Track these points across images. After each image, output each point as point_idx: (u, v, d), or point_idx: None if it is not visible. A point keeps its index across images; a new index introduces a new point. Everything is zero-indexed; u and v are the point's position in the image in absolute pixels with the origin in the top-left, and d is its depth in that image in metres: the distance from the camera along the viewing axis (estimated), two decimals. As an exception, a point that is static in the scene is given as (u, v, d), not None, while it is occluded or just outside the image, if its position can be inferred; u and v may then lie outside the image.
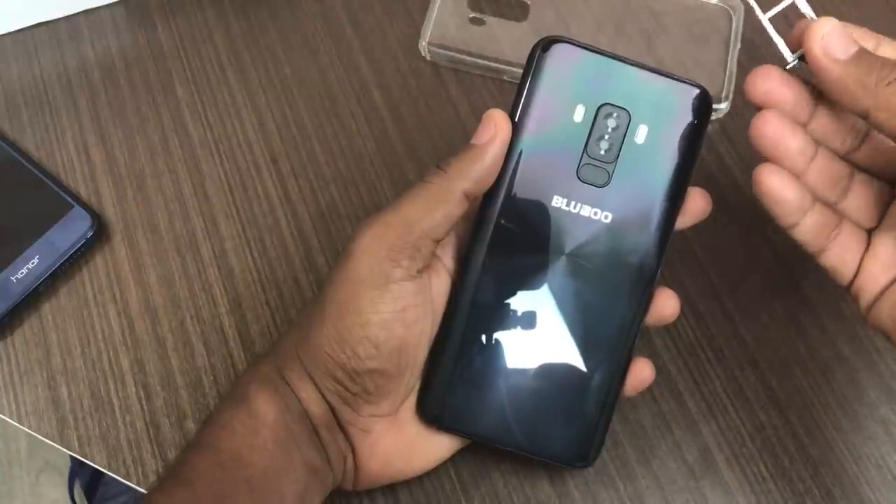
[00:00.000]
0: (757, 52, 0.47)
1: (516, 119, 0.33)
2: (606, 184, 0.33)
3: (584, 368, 0.34)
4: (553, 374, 0.34)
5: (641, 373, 0.35)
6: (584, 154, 0.33)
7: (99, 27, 0.48)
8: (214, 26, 0.48)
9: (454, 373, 0.34)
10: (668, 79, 0.33)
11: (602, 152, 0.33)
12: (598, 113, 0.33)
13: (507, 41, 0.47)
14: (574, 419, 0.34)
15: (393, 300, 0.32)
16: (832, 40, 0.28)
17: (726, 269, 0.42)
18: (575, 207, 0.33)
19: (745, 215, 0.43)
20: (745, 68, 0.46)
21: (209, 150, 0.45)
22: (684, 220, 0.34)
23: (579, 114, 0.33)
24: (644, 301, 0.34)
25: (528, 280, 0.34)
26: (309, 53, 0.48)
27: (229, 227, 0.43)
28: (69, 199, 0.42)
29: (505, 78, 0.46)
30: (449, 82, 0.47)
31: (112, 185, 0.44)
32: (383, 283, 0.32)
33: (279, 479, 0.32)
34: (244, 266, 0.42)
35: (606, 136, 0.33)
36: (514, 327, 0.34)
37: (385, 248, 0.32)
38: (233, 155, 0.45)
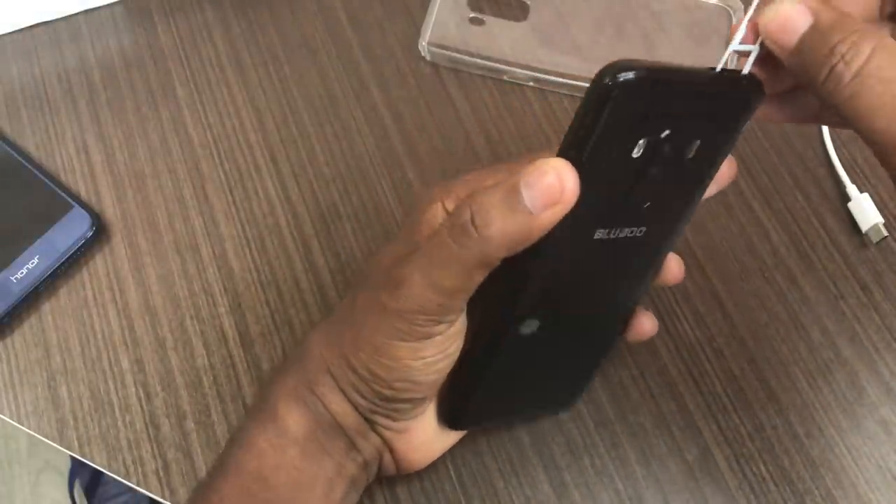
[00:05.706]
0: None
1: (568, 155, 0.27)
2: (648, 203, 0.30)
3: (584, 337, 0.34)
4: (553, 358, 0.34)
5: (643, 325, 0.34)
6: (636, 186, 0.29)
7: (99, 27, 0.48)
8: (214, 26, 0.48)
9: (479, 388, 0.33)
10: (723, 83, 0.28)
11: (653, 182, 0.29)
12: (659, 143, 0.28)
13: (506, 41, 0.47)
14: (566, 377, 0.36)
15: (434, 347, 0.30)
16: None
17: (726, 269, 0.42)
18: (614, 233, 0.30)
19: (745, 215, 0.43)
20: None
21: (209, 150, 0.45)
22: (711, 190, 0.32)
23: (639, 148, 0.27)
24: (653, 270, 0.33)
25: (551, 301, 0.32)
26: (309, 53, 0.48)
27: (229, 227, 0.43)
28: (69, 199, 0.42)
29: (505, 78, 0.46)
30: (449, 82, 0.47)
31: (112, 185, 0.44)
32: (425, 337, 0.30)
33: (308, 491, 0.31)
34: (244, 266, 0.42)
35: (661, 165, 0.29)
36: (530, 341, 0.32)
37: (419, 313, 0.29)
38: (233, 155, 0.45)
